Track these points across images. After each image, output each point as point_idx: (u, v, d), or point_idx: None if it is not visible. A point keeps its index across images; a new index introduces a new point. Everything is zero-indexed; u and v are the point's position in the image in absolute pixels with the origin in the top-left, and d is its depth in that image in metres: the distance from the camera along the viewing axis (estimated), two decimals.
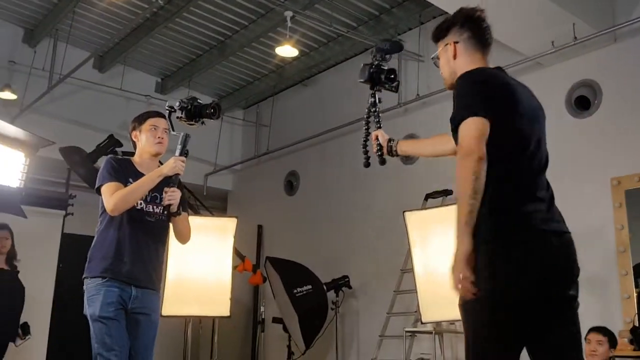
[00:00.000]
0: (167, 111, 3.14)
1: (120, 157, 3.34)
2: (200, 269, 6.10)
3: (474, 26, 2.34)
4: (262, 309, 8.10)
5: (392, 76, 2.60)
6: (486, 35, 2.36)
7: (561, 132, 5.47)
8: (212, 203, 8.55)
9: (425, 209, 5.48)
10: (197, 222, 6.29)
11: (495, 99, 2.13)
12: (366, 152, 2.64)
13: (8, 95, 6.91)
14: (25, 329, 5.06)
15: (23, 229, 6.89)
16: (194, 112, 3.10)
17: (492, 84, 2.19)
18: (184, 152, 3.07)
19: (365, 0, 6.43)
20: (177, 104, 3.10)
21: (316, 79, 8.07)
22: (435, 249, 5.00)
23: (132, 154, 3.31)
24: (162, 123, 3.20)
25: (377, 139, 2.66)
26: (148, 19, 6.92)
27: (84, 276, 3.07)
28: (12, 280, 5.13)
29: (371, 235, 6.87)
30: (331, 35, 7.10)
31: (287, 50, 6.76)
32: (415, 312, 5.63)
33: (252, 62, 7.87)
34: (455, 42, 2.33)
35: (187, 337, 6.51)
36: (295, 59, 7.51)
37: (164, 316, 5.94)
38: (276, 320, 7.13)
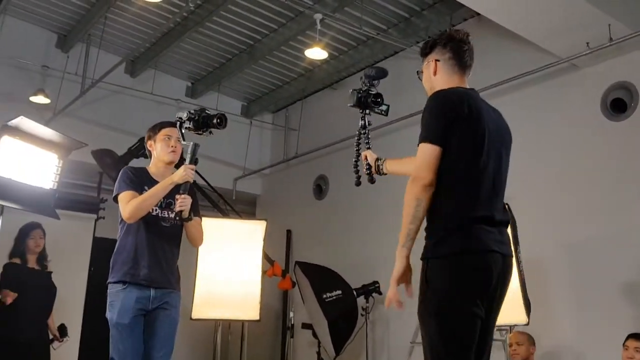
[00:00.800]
0: (177, 122, 3.26)
1: (136, 167, 3.49)
2: (230, 272, 6.08)
3: (455, 47, 2.48)
4: (291, 314, 8.08)
5: (379, 100, 2.80)
6: (465, 57, 2.49)
7: (597, 136, 5.36)
8: (241, 207, 8.55)
9: None
10: (226, 226, 6.33)
11: (457, 122, 2.27)
12: (357, 172, 2.83)
13: (42, 99, 7.00)
14: (63, 331, 5.07)
15: (56, 232, 6.96)
16: (202, 123, 3.22)
17: (458, 107, 2.30)
18: (194, 161, 3.21)
19: (395, 2, 6.38)
20: (185, 114, 3.22)
21: (345, 82, 8.03)
22: None
23: (143, 169, 3.44)
24: (174, 133, 3.36)
25: (366, 158, 2.83)
26: (178, 24, 6.97)
27: (107, 282, 3.29)
28: (44, 280, 5.16)
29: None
30: (361, 38, 7.07)
31: (316, 53, 6.74)
32: None
33: (281, 65, 7.88)
34: (437, 60, 2.50)
35: (217, 341, 6.50)
36: (324, 62, 7.49)
37: (194, 319, 5.96)
38: (305, 325, 7.09)
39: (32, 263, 4.99)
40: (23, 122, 4.06)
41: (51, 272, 5.31)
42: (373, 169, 2.82)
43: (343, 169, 8.01)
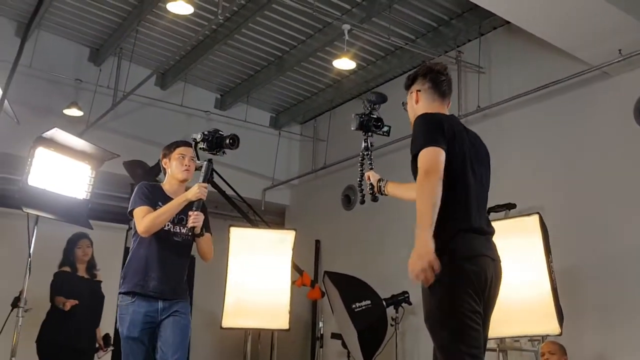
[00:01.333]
0: (193, 142, 3.46)
1: (151, 183, 3.67)
2: (260, 281, 6.10)
3: (433, 77, 2.72)
4: (320, 324, 8.05)
5: (379, 123, 3.04)
6: (443, 87, 2.74)
7: (629, 144, 5.28)
8: (270, 218, 8.59)
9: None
10: (255, 235, 6.36)
11: (446, 138, 2.47)
12: (361, 191, 2.99)
13: (75, 112, 7.14)
14: (107, 341, 5.13)
15: None
16: (215, 143, 3.42)
17: (445, 125, 2.51)
18: (207, 179, 3.38)
19: (423, 12, 6.38)
20: (200, 135, 3.41)
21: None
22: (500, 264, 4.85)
23: (158, 185, 3.63)
24: (189, 152, 3.53)
25: (369, 178, 2.97)
26: (208, 36, 7.06)
27: (118, 292, 3.44)
28: (94, 288, 5.23)
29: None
30: (389, 48, 7.08)
31: (344, 64, 6.76)
32: None
33: (309, 76, 7.92)
34: (418, 90, 2.74)
35: (247, 350, 6.51)
36: (352, 72, 7.51)
37: (224, 328, 5.98)
38: (335, 335, 7.07)
39: (81, 272, 5.10)
40: (57, 133, 4.15)
41: (101, 281, 5.38)
42: (375, 189, 2.96)
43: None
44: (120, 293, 3.42)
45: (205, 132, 3.41)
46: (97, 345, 5.09)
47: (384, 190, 2.96)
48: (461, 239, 2.47)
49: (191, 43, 7.12)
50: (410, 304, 6.50)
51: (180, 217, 3.42)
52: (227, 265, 6.01)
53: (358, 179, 3.00)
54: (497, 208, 5.71)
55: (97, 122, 7.21)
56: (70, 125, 7.02)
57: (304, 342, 8.39)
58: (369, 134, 3.05)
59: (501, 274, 2.63)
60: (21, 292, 4.13)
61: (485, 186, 2.68)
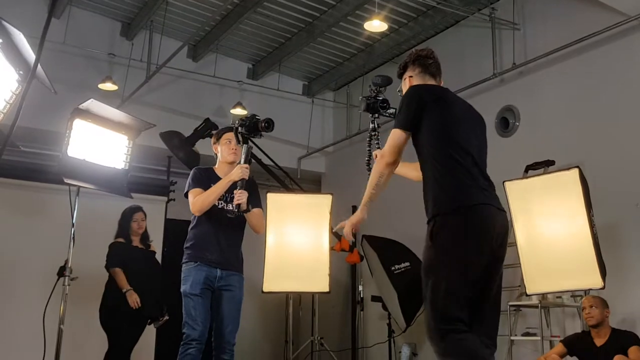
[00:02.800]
0: (233, 127, 3.79)
1: (204, 167, 3.97)
2: (299, 245, 6.16)
3: (421, 62, 2.90)
4: (360, 287, 8.10)
5: (385, 105, 3.16)
6: (432, 69, 2.90)
7: None
8: (306, 186, 8.61)
9: (527, 177, 5.28)
10: (293, 200, 6.40)
11: (428, 107, 2.67)
12: (369, 169, 3.01)
13: (109, 86, 7.22)
14: (163, 310, 5.25)
15: None
16: (252, 127, 3.70)
17: (426, 96, 2.71)
18: (248, 161, 3.67)
19: None
20: (238, 122, 3.73)
21: (406, 55, 7.93)
22: (540, 218, 4.80)
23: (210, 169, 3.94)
24: (234, 137, 3.82)
25: (376, 157, 2.98)
26: (237, 5, 7.04)
27: (181, 262, 3.78)
28: (149, 258, 5.35)
29: None
30: (420, 9, 6.96)
31: (376, 25, 6.66)
32: (519, 286, 5.45)
33: (340, 42, 7.85)
34: (410, 77, 2.92)
35: (288, 315, 6.61)
36: (384, 35, 7.42)
37: (265, 292, 6.06)
38: (375, 298, 7.11)
39: (136, 243, 5.22)
40: (93, 104, 4.20)
41: (154, 251, 5.50)
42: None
43: (409, 142, 7.97)
44: (182, 263, 3.76)
45: (244, 118, 3.71)
46: (156, 313, 5.21)
47: None
48: (464, 188, 2.58)
49: (220, 12, 7.11)
50: None
51: (232, 196, 3.68)
52: (265, 230, 6.06)
53: (366, 158, 3.14)
54: (535, 165, 5.64)
55: (131, 96, 7.28)
56: (105, 99, 7.02)
57: (344, 306, 8.46)
58: (376, 115, 3.19)
59: (507, 224, 2.68)
60: (66, 262, 4.23)
61: (483, 146, 2.80)
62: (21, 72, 3.24)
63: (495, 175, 6.31)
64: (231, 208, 3.69)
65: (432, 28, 7.27)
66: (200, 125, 6.01)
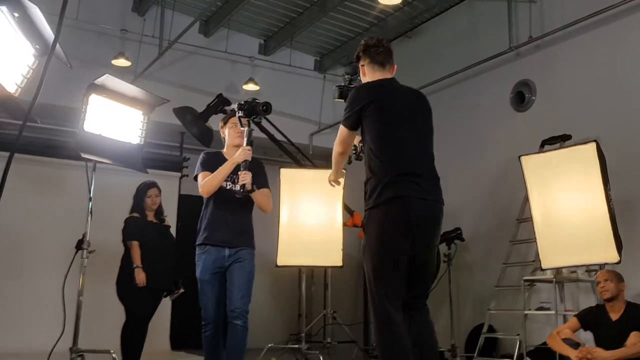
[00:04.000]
0: (234, 111, 3.94)
1: (212, 151, 4.12)
2: (312, 220, 6.18)
3: (370, 52, 3.16)
4: None
5: None
6: (379, 58, 3.15)
7: None
8: (318, 162, 8.57)
9: (543, 152, 5.25)
10: (306, 176, 6.40)
11: (368, 106, 2.97)
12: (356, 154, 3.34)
13: (122, 62, 7.21)
14: (177, 283, 5.31)
15: None
16: (250, 111, 3.81)
17: (364, 95, 3.04)
18: (249, 143, 3.82)
19: None
20: (236, 105, 3.87)
21: (420, 29, 7.86)
22: (555, 193, 4.78)
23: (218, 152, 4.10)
24: (244, 122, 3.90)
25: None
26: None
27: (195, 244, 3.96)
28: (164, 232, 5.40)
29: (484, 185, 6.69)
30: None
31: None
32: (533, 261, 5.45)
33: (353, 16, 7.78)
34: (362, 65, 3.20)
35: (302, 289, 6.65)
36: (397, 9, 7.35)
37: (279, 266, 6.10)
38: None
39: (150, 218, 5.27)
40: (108, 80, 4.20)
41: (169, 225, 5.56)
42: (358, 149, 3.34)
43: None
44: (195, 245, 3.94)
45: (242, 102, 3.83)
46: (171, 286, 5.27)
47: (361, 150, 3.34)
48: (386, 184, 2.89)
49: None
50: (463, 240, 6.49)
51: (238, 178, 3.83)
52: (279, 205, 6.08)
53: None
54: (552, 140, 5.61)
55: (144, 72, 7.27)
56: (118, 76, 6.95)
57: (356, 281, 8.50)
58: None
59: (433, 210, 2.99)
60: (84, 235, 4.27)
61: (423, 135, 3.09)
62: (37, 46, 3.23)
63: (510, 150, 6.33)
64: (237, 189, 3.86)
65: (447, 1, 7.21)
66: (212, 101, 5.95)
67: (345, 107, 3.06)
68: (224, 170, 3.85)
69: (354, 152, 3.35)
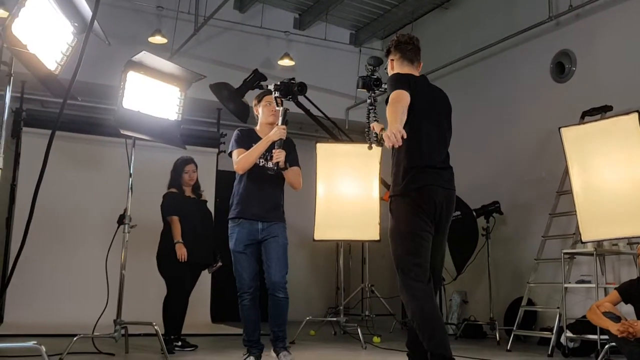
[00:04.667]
0: (268, 90, 4.12)
1: (245, 128, 4.25)
2: (348, 195, 6.18)
3: (401, 48, 3.34)
4: None
5: (379, 82, 3.50)
6: (410, 55, 3.33)
7: None
8: (354, 137, 8.55)
9: (584, 123, 5.15)
10: (342, 150, 6.40)
11: (407, 88, 3.09)
12: (369, 139, 3.44)
13: (159, 39, 7.28)
14: (215, 256, 5.41)
15: None
16: (286, 91, 3.98)
17: (409, 81, 3.15)
18: (284, 122, 3.97)
19: None
20: (272, 86, 4.01)
21: (457, 0, 7.74)
22: (596, 165, 4.69)
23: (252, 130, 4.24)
24: (273, 99, 4.07)
25: (374, 128, 3.42)
26: None
27: (228, 218, 4.09)
28: (202, 207, 5.49)
29: (523, 158, 6.60)
30: None
31: None
32: (574, 234, 5.38)
33: None
34: (392, 60, 3.39)
35: (339, 263, 6.69)
36: None
37: (316, 240, 6.14)
38: None
39: (188, 193, 5.38)
40: (146, 56, 4.26)
41: (206, 200, 5.65)
42: (379, 137, 3.36)
43: (457, 91, 7.84)
44: (229, 219, 4.08)
45: (278, 83, 3.99)
46: (210, 259, 5.37)
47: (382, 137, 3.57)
48: (413, 174, 3.12)
49: None
50: (501, 213, 6.44)
51: (271, 155, 3.98)
52: (315, 180, 6.11)
53: (366, 130, 3.48)
54: (592, 111, 5.50)
55: (180, 49, 7.32)
56: (155, 53, 7.09)
57: None
58: (372, 91, 3.53)
59: (453, 200, 3.25)
60: (125, 210, 4.37)
61: (444, 132, 3.30)
62: (76, 24, 3.30)
63: (550, 121, 6.24)
64: (270, 166, 3.98)
65: None
66: (249, 76, 5.97)
67: (391, 84, 3.17)
68: (260, 147, 3.98)
69: (375, 138, 3.43)
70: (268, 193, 4.06)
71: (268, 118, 4.15)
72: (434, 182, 3.14)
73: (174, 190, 5.31)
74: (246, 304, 3.98)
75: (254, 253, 4.03)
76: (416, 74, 3.33)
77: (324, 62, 8.56)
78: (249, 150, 4.01)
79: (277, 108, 4.02)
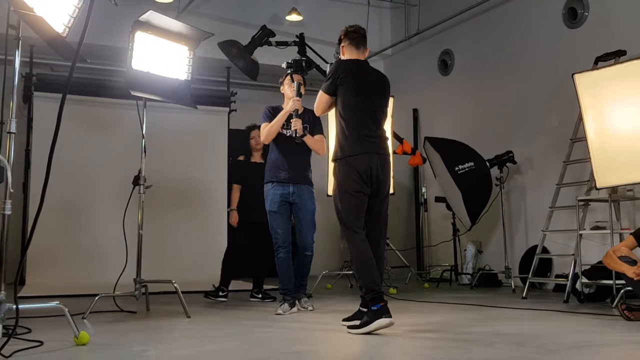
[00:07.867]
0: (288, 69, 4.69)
1: (273, 105, 4.80)
2: None
3: (350, 37, 3.88)
4: (423, 189, 8.15)
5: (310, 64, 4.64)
6: (356, 42, 3.87)
7: None
8: None
9: (597, 69, 5.07)
10: None
11: (343, 79, 3.71)
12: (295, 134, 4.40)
13: None
14: None
15: (195, 126, 7.38)
16: (298, 67, 4.64)
17: (342, 70, 3.75)
18: (299, 94, 4.56)
19: None
20: (285, 64, 4.63)
21: None
22: (610, 110, 4.64)
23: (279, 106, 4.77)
24: (295, 78, 4.65)
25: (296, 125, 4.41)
26: None
27: (264, 182, 4.71)
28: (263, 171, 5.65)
29: (535, 106, 6.55)
30: None
31: None
32: (588, 181, 5.36)
33: None
34: (343, 46, 3.92)
35: None
36: None
37: (330, 196, 6.15)
38: (439, 199, 7.15)
39: (256, 158, 5.61)
40: (152, 16, 4.21)
41: None
42: (299, 131, 4.55)
43: (469, 40, 7.77)
44: (264, 183, 4.68)
45: (289, 61, 4.63)
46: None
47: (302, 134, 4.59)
48: (350, 143, 3.63)
49: None
50: (515, 163, 6.42)
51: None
52: (327, 134, 6.10)
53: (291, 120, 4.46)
54: (606, 57, 5.41)
55: (187, 7, 7.25)
56: (161, 12, 7.03)
57: (408, 208, 8.55)
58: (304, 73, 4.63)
59: (387, 162, 3.74)
60: (140, 172, 4.40)
61: (375, 107, 3.76)
62: None
63: (563, 68, 6.16)
64: (296, 135, 4.52)
65: None
66: (257, 33, 5.94)
67: (327, 77, 3.78)
68: (279, 119, 4.57)
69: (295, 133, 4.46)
70: (296, 159, 4.64)
71: (291, 94, 4.65)
72: (368, 149, 3.63)
73: (241, 158, 5.74)
74: (282, 257, 4.55)
75: (287, 212, 4.63)
76: (362, 58, 3.88)
77: (332, 16, 8.44)
78: (271, 123, 4.59)
79: (293, 83, 4.60)
